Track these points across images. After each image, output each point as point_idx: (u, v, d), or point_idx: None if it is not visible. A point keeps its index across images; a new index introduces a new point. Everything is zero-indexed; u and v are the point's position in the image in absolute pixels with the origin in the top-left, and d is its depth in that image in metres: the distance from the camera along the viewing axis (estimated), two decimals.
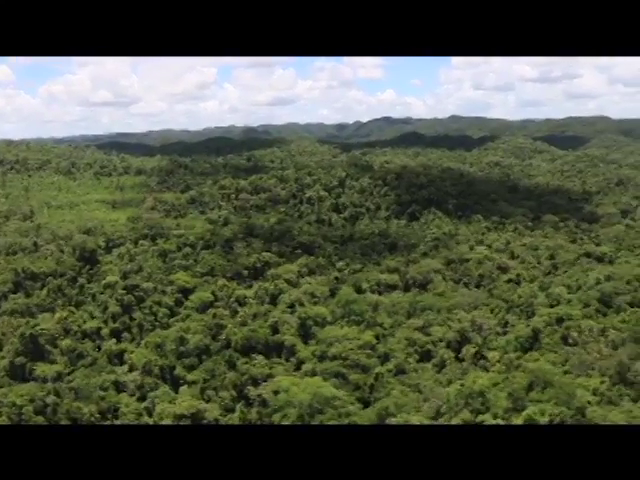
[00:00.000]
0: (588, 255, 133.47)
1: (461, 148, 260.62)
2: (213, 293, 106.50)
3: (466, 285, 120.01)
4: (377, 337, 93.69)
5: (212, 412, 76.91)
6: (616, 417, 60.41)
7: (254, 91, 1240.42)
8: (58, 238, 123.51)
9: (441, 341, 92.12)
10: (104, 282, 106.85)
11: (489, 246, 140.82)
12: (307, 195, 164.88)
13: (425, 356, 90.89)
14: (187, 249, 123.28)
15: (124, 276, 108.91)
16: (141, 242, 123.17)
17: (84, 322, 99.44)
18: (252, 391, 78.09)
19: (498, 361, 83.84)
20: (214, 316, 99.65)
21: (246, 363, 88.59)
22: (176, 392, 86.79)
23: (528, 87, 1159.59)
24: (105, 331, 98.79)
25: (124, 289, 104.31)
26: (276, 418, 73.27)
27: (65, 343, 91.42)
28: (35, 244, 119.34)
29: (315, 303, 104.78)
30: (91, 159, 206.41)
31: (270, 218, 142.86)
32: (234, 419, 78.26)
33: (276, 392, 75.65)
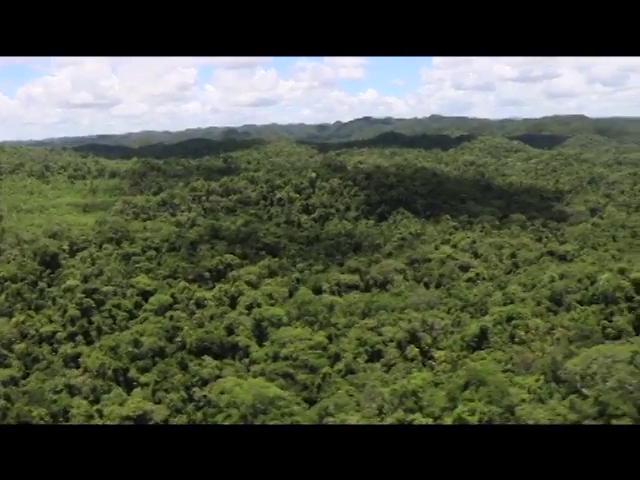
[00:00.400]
0: (551, 253, 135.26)
1: (438, 148, 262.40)
2: (172, 295, 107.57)
3: (426, 285, 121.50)
4: (329, 337, 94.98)
5: (159, 413, 78.07)
6: (540, 415, 61.76)
7: (236, 92, 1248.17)
8: (23, 242, 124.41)
9: (392, 341, 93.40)
10: (64, 286, 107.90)
11: (455, 246, 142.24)
12: (278, 196, 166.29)
13: (376, 356, 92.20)
14: (151, 252, 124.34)
15: (85, 280, 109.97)
16: (105, 246, 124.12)
17: (42, 326, 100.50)
18: (197, 392, 79.36)
19: (444, 361, 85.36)
20: (171, 318, 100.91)
21: (199, 364, 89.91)
22: (129, 394, 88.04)
23: (508, 87, 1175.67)
24: (63, 335, 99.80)
25: (83, 293, 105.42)
26: (219, 418, 74.50)
27: (20, 347, 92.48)
28: None
29: (273, 304, 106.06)
30: (65, 162, 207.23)
31: (237, 220, 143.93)
32: (182, 420, 79.51)
33: (221, 393, 76.91)
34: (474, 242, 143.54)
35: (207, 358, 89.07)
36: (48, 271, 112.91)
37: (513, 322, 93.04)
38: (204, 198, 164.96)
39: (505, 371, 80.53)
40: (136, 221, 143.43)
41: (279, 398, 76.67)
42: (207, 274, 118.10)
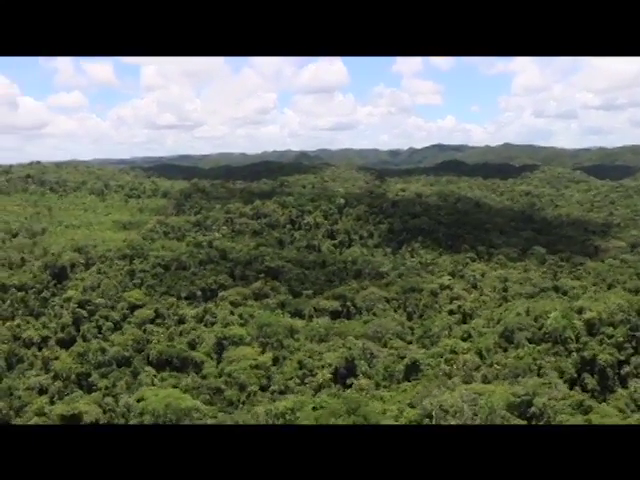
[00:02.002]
0: (556, 289, 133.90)
1: (498, 177, 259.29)
2: (156, 311, 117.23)
3: (409, 314, 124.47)
4: (275, 359, 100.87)
5: (90, 415, 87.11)
6: None
7: (314, 116, 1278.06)
8: (50, 255, 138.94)
9: (330, 365, 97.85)
10: (64, 296, 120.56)
11: (462, 276, 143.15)
12: (305, 221, 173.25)
13: (311, 379, 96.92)
14: (159, 269, 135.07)
15: (83, 291, 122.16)
16: (117, 262, 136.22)
17: (35, 330, 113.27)
18: (123, 399, 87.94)
19: (362, 388, 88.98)
20: (144, 331, 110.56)
21: (149, 375, 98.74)
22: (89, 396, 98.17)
23: (592, 115, 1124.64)
24: (51, 340, 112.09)
25: (77, 303, 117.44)
26: (134, 422, 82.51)
27: (3, 348, 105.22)
28: (22, 259, 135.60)
29: (242, 324, 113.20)
30: (124, 181, 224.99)
31: (250, 243, 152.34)
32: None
33: (138, 400, 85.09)
34: (483, 274, 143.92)
35: (148, 368, 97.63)
36: (54, 282, 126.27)
37: (444, 357, 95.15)
38: (236, 221, 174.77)
39: (409, 404, 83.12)
40: (160, 240, 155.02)
41: (194, 409, 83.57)
42: (199, 293, 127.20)
